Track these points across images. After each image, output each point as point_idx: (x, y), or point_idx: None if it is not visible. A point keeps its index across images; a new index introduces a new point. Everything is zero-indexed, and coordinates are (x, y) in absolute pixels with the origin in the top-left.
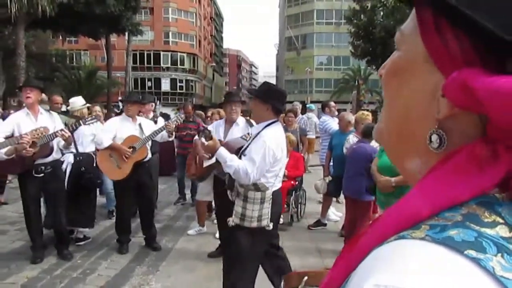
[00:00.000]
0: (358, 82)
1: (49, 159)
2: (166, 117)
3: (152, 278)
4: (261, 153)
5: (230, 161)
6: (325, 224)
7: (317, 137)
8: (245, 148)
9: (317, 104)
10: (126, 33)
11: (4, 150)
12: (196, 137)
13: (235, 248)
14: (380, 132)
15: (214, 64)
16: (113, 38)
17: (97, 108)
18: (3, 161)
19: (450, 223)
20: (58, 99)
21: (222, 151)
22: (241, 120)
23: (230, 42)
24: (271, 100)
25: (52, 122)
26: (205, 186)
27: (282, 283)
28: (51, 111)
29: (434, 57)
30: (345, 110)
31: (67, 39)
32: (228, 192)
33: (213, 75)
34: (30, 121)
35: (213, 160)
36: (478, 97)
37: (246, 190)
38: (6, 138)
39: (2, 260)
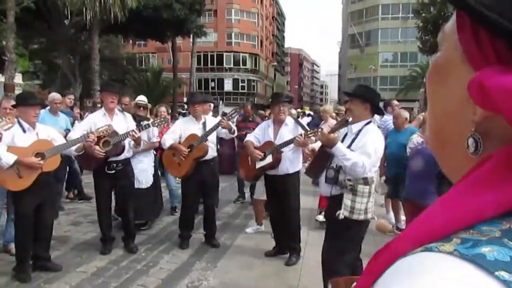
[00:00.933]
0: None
1: (121, 157)
2: (225, 115)
3: (210, 274)
4: (374, 148)
5: (349, 155)
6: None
7: None
8: (350, 144)
9: (381, 103)
10: (191, 35)
11: (74, 147)
12: (248, 137)
13: (344, 240)
14: (426, 137)
15: (275, 63)
16: (179, 40)
17: (163, 108)
18: (81, 158)
19: (485, 238)
20: (127, 100)
21: (340, 145)
22: (289, 120)
23: (291, 41)
24: (370, 100)
25: (125, 122)
26: (262, 185)
27: (330, 287)
28: (124, 112)
29: (468, 57)
30: (412, 109)
31: (137, 43)
32: (325, 187)
33: (275, 74)
34: (106, 121)
35: (266, 161)
36: (491, 96)
37: (356, 184)
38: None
39: (76, 250)
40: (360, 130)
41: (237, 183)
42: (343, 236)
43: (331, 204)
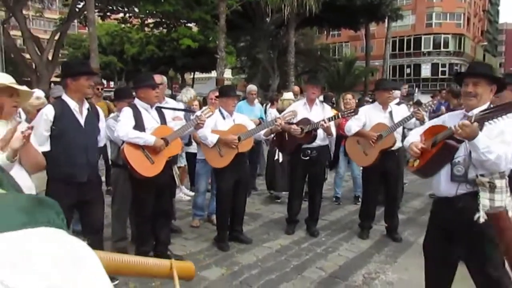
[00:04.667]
0: None
1: (315, 144)
2: (419, 104)
3: (389, 268)
4: None
5: (493, 147)
6: None
7: None
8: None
9: None
10: (386, 20)
11: (263, 131)
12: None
13: (493, 246)
14: None
15: (485, 43)
16: (373, 27)
17: (349, 96)
18: (277, 142)
19: None
20: (296, 89)
21: (482, 137)
22: None
23: (509, 15)
24: (499, 80)
25: (322, 112)
26: None
27: None
28: (324, 103)
29: None
30: None
31: (331, 33)
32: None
33: (484, 56)
34: (306, 110)
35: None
36: None
37: (493, 178)
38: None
39: (264, 227)
40: None
41: None
42: (491, 241)
43: (455, 206)
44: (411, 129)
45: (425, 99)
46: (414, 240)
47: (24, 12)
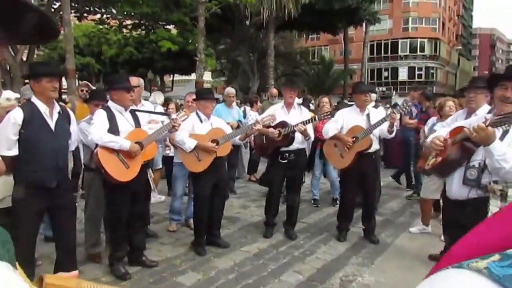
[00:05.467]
0: None
1: (293, 147)
2: (394, 107)
3: (366, 271)
4: None
5: (508, 155)
6: None
7: None
8: (501, 138)
9: None
10: (364, 24)
11: (239, 136)
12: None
13: None
14: None
15: (460, 47)
16: (351, 31)
17: (325, 99)
18: (257, 146)
19: None
20: (274, 91)
21: (499, 143)
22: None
23: (481, 20)
24: None
25: (300, 116)
26: (432, 183)
27: None
28: (302, 106)
29: None
30: None
31: (310, 36)
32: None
33: (459, 59)
34: (284, 113)
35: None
36: None
37: (507, 187)
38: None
39: (242, 230)
40: None
41: (407, 177)
42: None
43: (465, 210)
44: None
45: (401, 102)
46: (391, 241)
47: None
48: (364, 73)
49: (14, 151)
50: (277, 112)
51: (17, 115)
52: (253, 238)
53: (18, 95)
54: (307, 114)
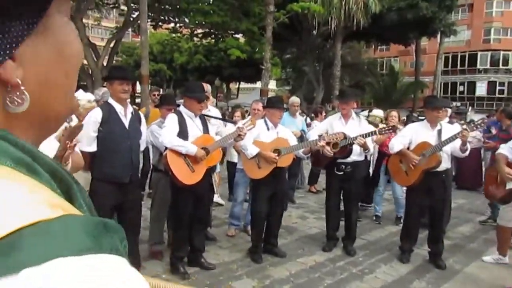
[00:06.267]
0: None
1: (349, 159)
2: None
3: None
4: None
5: None
6: None
7: None
8: None
9: None
10: (438, 36)
11: (302, 149)
12: (501, 149)
13: None
14: None
15: None
16: (424, 42)
17: (394, 113)
18: (313, 157)
19: None
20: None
21: None
22: None
23: None
24: None
25: (359, 127)
26: (510, 210)
27: None
28: (360, 116)
29: None
30: None
31: (379, 47)
32: None
33: None
34: (341, 124)
35: None
36: None
37: None
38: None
39: (299, 241)
40: None
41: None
42: None
43: None
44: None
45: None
46: (460, 268)
47: (84, 20)
48: (436, 87)
49: (93, 147)
50: (334, 123)
51: (97, 114)
52: (310, 250)
53: (97, 97)
54: (366, 126)
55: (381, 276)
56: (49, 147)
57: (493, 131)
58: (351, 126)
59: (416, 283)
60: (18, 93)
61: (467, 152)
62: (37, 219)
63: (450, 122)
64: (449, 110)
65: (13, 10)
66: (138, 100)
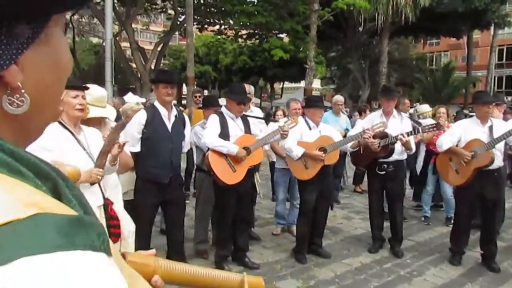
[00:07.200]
0: None
1: (392, 159)
2: None
3: None
4: None
5: None
6: None
7: None
8: None
9: None
10: (492, 28)
11: (351, 143)
12: None
13: None
14: None
15: None
16: (476, 35)
17: (442, 109)
18: (353, 155)
19: None
20: (407, 101)
21: None
22: None
23: None
24: None
25: (401, 124)
26: None
27: None
28: (402, 114)
29: None
30: None
31: (428, 42)
32: None
33: None
34: (382, 121)
35: None
36: None
37: None
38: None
39: (344, 242)
40: None
41: None
42: None
43: None
44: None
45: None
46: None
47: (133, 25)
48: (490, 81)
49: (137, 148)
50: (375, 120)
51: (141, 116)
52: (355, 251)
53: (144, 100)
54: (408, 123)
55: (431, 279)
56: (97, 147)
57: None
58: (392, 124)
59: (468, 286)
60: (18, 96)
61: None
62: (9, 219)
63: (505, 118)
64: (503, 106)
65: (23, 15)
66: (184, 102)
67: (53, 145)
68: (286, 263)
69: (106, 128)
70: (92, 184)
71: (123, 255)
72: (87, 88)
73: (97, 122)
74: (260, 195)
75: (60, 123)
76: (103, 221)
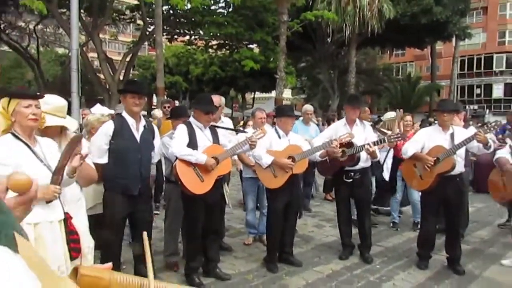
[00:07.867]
0: None
1: (358, 166)
2: (481, 127)
3: None
4: None
5: None
6: None
7: None
8: None
9: None
10: (453, 39)
11: (319, 152)
12: (500, 154)
13: None
14: None
15: None
16: (439, 46)
17: (408, 117)
18: (319, 164)
19: None
20: (367, 109)
21: None
22: None
23: None
24: None
25: (364, 133)
26: None
27: None
28: (364, 122)
29: None
30: None
31: (394, 52)
32: None
33: None
34: (346, 130)
35: None
36: None
37: None
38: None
39: (316, 250)
40: None
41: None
42: None
43: None
44: (474, 154)
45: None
46: (479, 273)
47: (100, 35)
48: (453, 90)
49: (104, 159)
50: (339, 129)
51: (108, 127)
52: (326, 258)
53: (112, 111)
54: (370, 131)
55: (399, 284)
56: (55, 159)
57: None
58: (356, 132)
59: None
60: None
61: (492, 149)
62: None
63: (466, 126)
64: (463, 113)
65: None
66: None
67: (9, 159)
68: (258, 273)
69: (67, 139)
70: (48, 202)
71: (76, 269)
72: (41, 97)
73: (55, 133)
74: (229, 205)
75: (14, 134)
76: (63, 236)
